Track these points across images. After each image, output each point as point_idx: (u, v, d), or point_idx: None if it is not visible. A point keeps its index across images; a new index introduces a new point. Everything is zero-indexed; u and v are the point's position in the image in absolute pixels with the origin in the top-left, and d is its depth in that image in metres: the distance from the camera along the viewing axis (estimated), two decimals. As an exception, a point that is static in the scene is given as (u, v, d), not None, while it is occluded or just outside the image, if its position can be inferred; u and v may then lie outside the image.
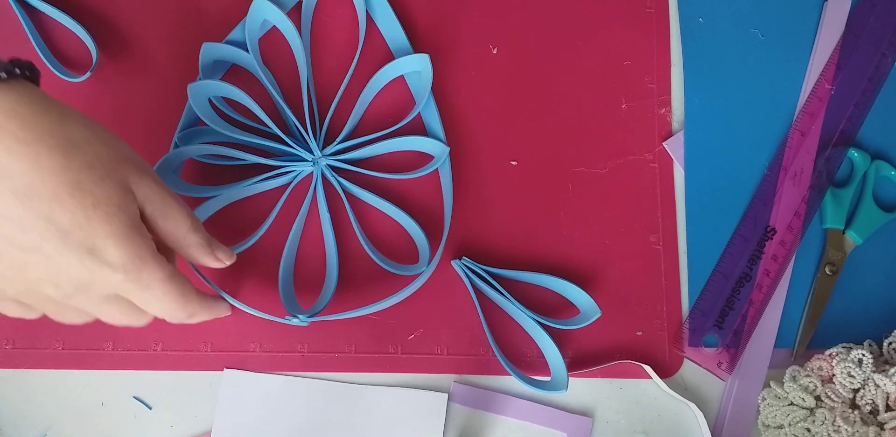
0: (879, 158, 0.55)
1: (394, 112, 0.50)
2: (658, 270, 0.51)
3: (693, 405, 0.49)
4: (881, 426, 0.46)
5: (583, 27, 0.54)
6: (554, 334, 0.48)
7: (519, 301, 0.48)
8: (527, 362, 0.49)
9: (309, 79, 0.48)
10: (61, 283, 0.33)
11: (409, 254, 0.49)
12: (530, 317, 0.47)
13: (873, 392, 0.46)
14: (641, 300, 0.50)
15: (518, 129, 0.52)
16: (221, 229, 0.48)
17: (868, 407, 0.47)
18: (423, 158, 0.50)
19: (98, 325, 0.45)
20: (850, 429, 0.45)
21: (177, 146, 0.46)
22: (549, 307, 0.49)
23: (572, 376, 0.48)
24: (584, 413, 0.49)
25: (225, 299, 0.44)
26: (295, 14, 0.51)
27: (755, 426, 0.50)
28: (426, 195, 0.50)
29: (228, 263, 0.41)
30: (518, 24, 0.53)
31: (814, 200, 0.53)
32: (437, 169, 0.50)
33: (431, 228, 0.49)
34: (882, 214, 0.54)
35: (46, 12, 0.48)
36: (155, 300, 0.36)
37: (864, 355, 0.47)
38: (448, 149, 0.48)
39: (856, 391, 0.47)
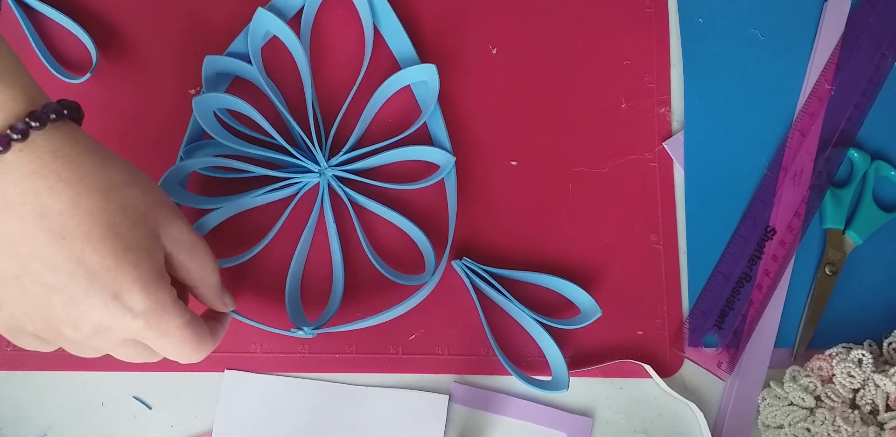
0: (879, 158, 0.55)
1: (399, 121, 0.50)
2: (658, 270, 0.51)
3: (693, 405, 0.49)
4: (881, 426, 0.46)
5: (582, 27, 0.54)
6: (554, 334, 0.48)
7: (519, 301, 0.48)
8: (527, 362, 0.49)
9: (313, 90, 0.48)
10: (81, 325, 0.33)
11: (414, 263, 0.49)
12: (531, 317, 0.47)
13: (873, 392, 0.46)
14: (642, 300, 0.50)
15: (518, 129, 0.52)
16: (227, 240, 0.48)
17: (868, 407, 0.47)
18: (429, 168, 0.50)
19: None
20: (850, 429, 0.45)
21: (182, 160, 0.46)
22: (549, 307, 0.50)
23: (573, 375, 0.48)
24: (584, 413, 0.49)
25: (227, 316, 0.44)
26: (296, 23, 0.50)
27: (755, 426, 0.50)
28: (431, 204, 0.50)
29: (230, 309, 0.42)
30: (518, 25, 0.53)
31: (814, 201, 0.53)
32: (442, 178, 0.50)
33: (436, 235, 0.49)
34: (882, 215, 0.54)
35: (46, 13, 0.48)
36: (171, 346, 0.36)
37: (864, 355, 0.47)
38: (454, 159, 0.48)
39: (856, 391, 0.47)
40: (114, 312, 0.33)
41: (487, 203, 0.50)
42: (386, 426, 0.46)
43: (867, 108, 0.56)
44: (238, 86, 0.49)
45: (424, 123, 0.50)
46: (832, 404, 0.47)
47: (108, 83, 0.48)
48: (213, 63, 0.47)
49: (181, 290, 0.39)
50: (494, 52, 0.52)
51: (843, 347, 0.49)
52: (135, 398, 0.46)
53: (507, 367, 0.47)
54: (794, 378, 0.49)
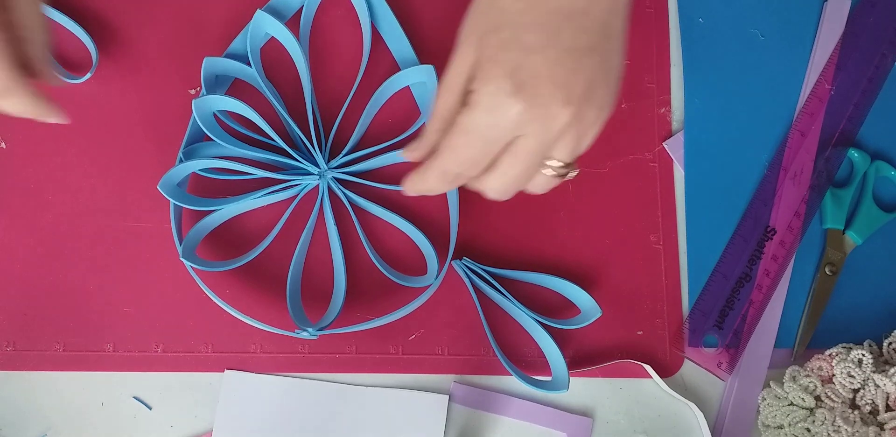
0: (879, 158, 0.55)
1: (399, 123, 0.50)
2: (658, 270, 0.51)
3: (693, 405, 0.49)
4: (881, 426, 0.46)
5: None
6: (554, 334, 0.48)
7: (519, 301, 0.48)
8: (527, 362, 0.49)
9: (312, 91, 0.48)
10: None
11: (416, 265, 0.49)
12: (531, 317, 0.47)
13: (873, 392, 0.46)
14: (642, 300, 0.50)
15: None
16: (227, 242, 0.48)
17: (868, 407, 0.47)
18: None
19: (98, 326, 0.46)
20: (850, 429, 0.45)
21: (182, 161, 0.46)
22: (549, 307, 0.50)
23: (573, 375, 0.48)
24: (584, 413, 0.49)
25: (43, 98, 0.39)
26: (294, 24, 0.50)
27: (755, 426, 0.50)
28: (431, 205, 0.50)
29: (49, 79, 0.39)
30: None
31: (814, 200, 0.53)
32: None
33: (437, 237, 0.49)
34: (882, 214, 0.54)
35: (45, 13, 0.48)
36: None
37: (864, 355, 0.47)
38: None
39: (856, 391, 0.47)
40: None
41: (487, 203, 0.50)
42: (386, 426, 0.46)
43: (867, 108, 0.56)
44: (238, 87, 0.49)
45: (424, 124, 0.50)
46: (832, 404, 0.47)
47: (108, 83, 0.48)
48: (212, 65, 0.47)
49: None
50: (494, 52, 0.52)
51: (843, 347, 0.49)
52: (135, 398, 0.46)
53: (506, 367, 0.47)
54: (794, 378, 0.49)
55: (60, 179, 0.47)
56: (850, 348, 0.48)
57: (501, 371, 0.48)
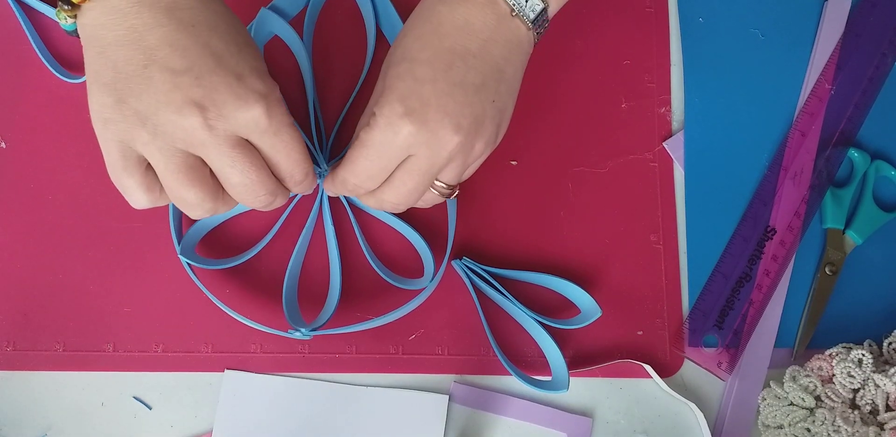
0: (879, 158, 0.55)
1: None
2: (658, 270, 0.51)
3: (693, 405, 0.49)
4: (881, 426, 0.46)
5: (583, 27, 0.54)
6: (554, 334, 0.48)
7: (520, 301, 0.48)
8: (527, 362, 0.49)
9: (314, 91, 0.48)
10: (207, 105, 0.35)
11: (413, 266, 0.49)
12: (531, 317, 0.47)
13: (873, 392, 0.46)
14: (642, 300, 0.50)
15: (518, 129, 0.51)
16: (226, 241, 0.48)
17: (868, 407, 0.47)
18: None
19: (98, 326, 0.46)
20: (850, 429, 0.45)
21: None
22: (549, 307, 0.50)
23: (573, 375, 0.48)
24: (584, 413, 0.49)
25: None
26: (298, 23, 0.50)
27: (755, 426, 0.50)
28: (431, 208, 0.50)
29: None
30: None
31: (814, 200, 0.53)
32: None
33: (435, 239, 0.49)
34: (882, 214, 0.54)
35: (46, 13, 0.48)
36: (283, 146, 0.37)
37: (864, 355, 0.47)
38: None
39: (856, 391, 0.47)
40: (238, 92, 0.35)
41: (487, 203, 0.50)
42: (386, 426, 0.46)
43: (867, 108, 0.56)
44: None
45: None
46: (832, 404, 0.47)
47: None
48: None
49: None
50: (494, 52, 0.52)
51: (843, 347, 0.49)
52: (135, 398, 0.46)
53: (506, 367, 0.47)
54: (794, 378, 0.49)
55: (60, 179, 0.47)
56: (850, 348, 0.48)
57: (501, 371, 0.48)
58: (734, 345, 0.51)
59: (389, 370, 0.48)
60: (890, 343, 0.50)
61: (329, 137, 0.48)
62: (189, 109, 0.35)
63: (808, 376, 0.48)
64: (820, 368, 0.48)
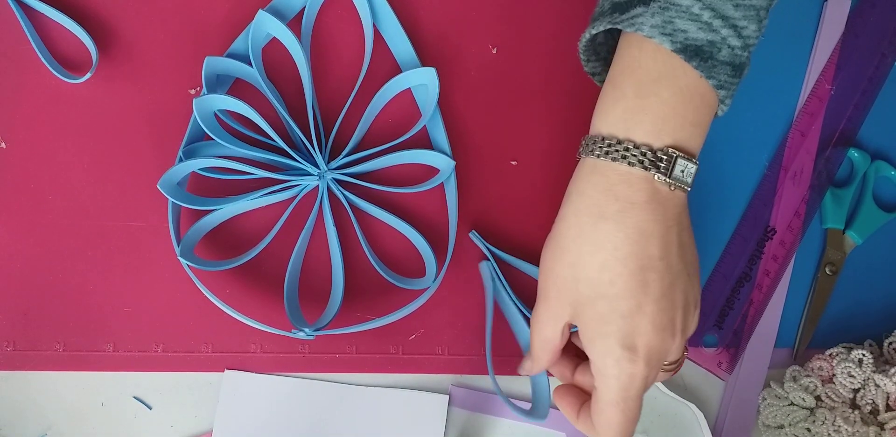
0: (879, 158, 0.55)
1: (399, 125, 0.50)
2: (658, 270, 0.51)
3: (693, 406, 0.49)
4: (881, 426, 0.46)
5: (583, 27, 0.54)
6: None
7: (521, 301, 0.47)
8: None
9: (313, 92, 0.48)
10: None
11: (415, 266, 0.49)
12: (529, 316, 0.47)
13: (873, 392, 0.46)
14: (641, 300, 0.50)
15: (518, 129, 0.51)
16: (226, 241, 0.47)
17: (868, 407, 0.47)
18: (429, 171, 0.50)
19: (98, 326, 0.46)
20: (850, 429, 0.45)
21: (182, 160, 0.46)
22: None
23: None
24: (585, 413, 0.49)
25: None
26: (296, 24, 0.50)
27: (755, 426, 0.50)
28: (430, 207, 0.50)
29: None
30: (518, 25, 0.53)
31: (814, 200, 0.53)
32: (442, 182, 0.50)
33: (436, 239, 0.49)
34: (882, 214, 0.54)
35: (45, 13, 0.48)
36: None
37: (864, 355, 0.47)
38: (454, 163, 0.48)
39: (856, 391, 0.47)
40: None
41: (487, 203, 0.50)
42: (386, 426, 0.46)
43: (867, 108, 0.56)
44: (239, 88, 0.49)
45: (424, 126, 0.50)
46: (832, 404, 0.47)
47: (108, 83, 0.48)
48: (214, 64, 0.47)
49: None
50: (494, 52, 0.52)
51: (844, 347, 0.49)
52: (135, 398, 0.46)
53: (494, 388, 0.46)
54: (794, 378, 0.49)
55: (60, 179, 0.47)
56: (851, 348, 0.48)
57: (501, 371, 0.48)
58: (734, 345, 0.50)
59: (389, 370, 0.47)
60: (890, 343, 0.50)
61: (328, 138, 0.48)
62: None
63: (808, 376, 0.48)
64: (820, 368, 0.48)
